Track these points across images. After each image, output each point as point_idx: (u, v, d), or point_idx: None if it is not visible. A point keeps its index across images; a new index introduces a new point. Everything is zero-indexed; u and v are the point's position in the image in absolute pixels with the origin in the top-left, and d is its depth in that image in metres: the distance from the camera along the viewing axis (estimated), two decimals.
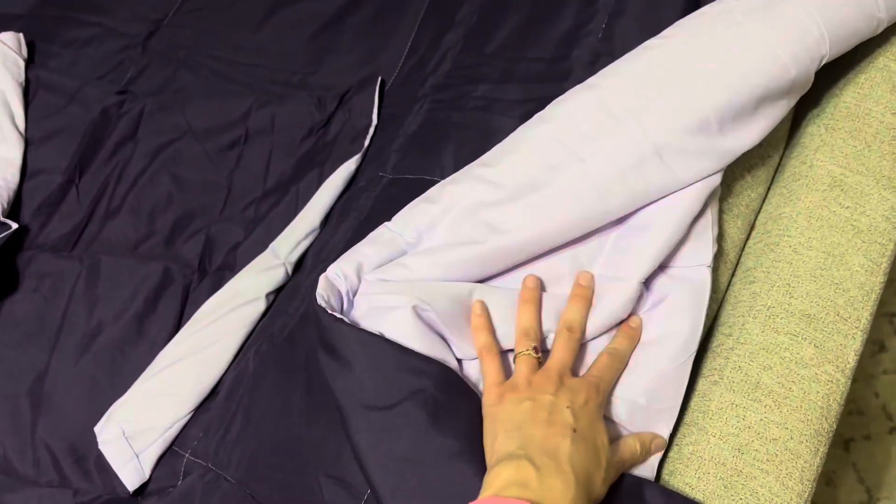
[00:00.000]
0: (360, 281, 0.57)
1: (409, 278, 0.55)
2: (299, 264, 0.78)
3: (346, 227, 0.72)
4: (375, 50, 0.89)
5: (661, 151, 0.53)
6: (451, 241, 0.56)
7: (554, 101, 0.59)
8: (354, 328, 0.53)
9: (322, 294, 0.54)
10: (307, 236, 0.77)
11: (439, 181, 0.68)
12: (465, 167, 0.61)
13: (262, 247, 0.79)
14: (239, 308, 0.74)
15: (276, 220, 0.81)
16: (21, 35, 0.92)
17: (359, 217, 0.72)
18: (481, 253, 0.55)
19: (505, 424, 0.48)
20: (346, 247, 0.69)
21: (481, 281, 0.58)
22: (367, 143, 0.81)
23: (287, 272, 0.76)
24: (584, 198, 0.54)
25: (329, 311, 0.53)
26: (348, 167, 0.80)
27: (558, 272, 0.58)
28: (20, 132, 0.87)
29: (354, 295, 0.57)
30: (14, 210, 0.84)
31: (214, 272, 0.80)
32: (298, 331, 0.65)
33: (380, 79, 0.85)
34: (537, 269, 0.58)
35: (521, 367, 0.52)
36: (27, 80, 0.90)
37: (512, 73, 0.70)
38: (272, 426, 0.63)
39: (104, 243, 0.81)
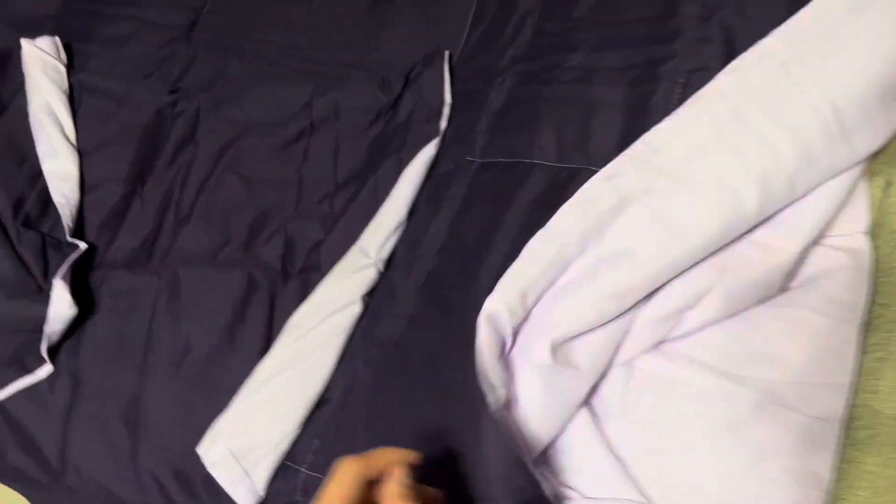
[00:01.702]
0: (525, 313, 0.53)
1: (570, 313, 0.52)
2: (389, 260, 0.74)
3: (442, 219, 0.67)
4: (435, 21, 0.83)
5: (847, 130, 0.48)
6: (626, 244, 0.52)
7: (723, 71, 0.54)
8: (493, 420, 0.49)
9: (483, 343, 0.50)
10: (395, 230, 0.73)
11: (541, 164, 0.63)
12: (623, 155, 0.56)
13: (345, 244, 0.75)
14: (334, 314, 0.70)
15: (357, 214, 0.77)
16: (57, 38, 0.86)
17: (453, 207, 0.67)
18: (664, 254, 0.51)
19: None
20: (448, 241, 0.66)
21: None
22: (443, 124, 0.76)
23: (379, 270, 0.72)
24: (774, 188, 0.49)
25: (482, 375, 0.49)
26: (428, 152, 0.75)
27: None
28: (71, 143, 0.82)
29: (519, 328, 0.53)
30: (77, 227, 0.79)
31: (298, 274, 0.76)
32: (410, 336, 0.62)
33: (447, 53, 0.80)
34: None
35: None
36: (70, 86, 0.85)
37: (609, 38, 0.65)
38: (400, 435, 0.60)
39: (179, 255, 0.77)
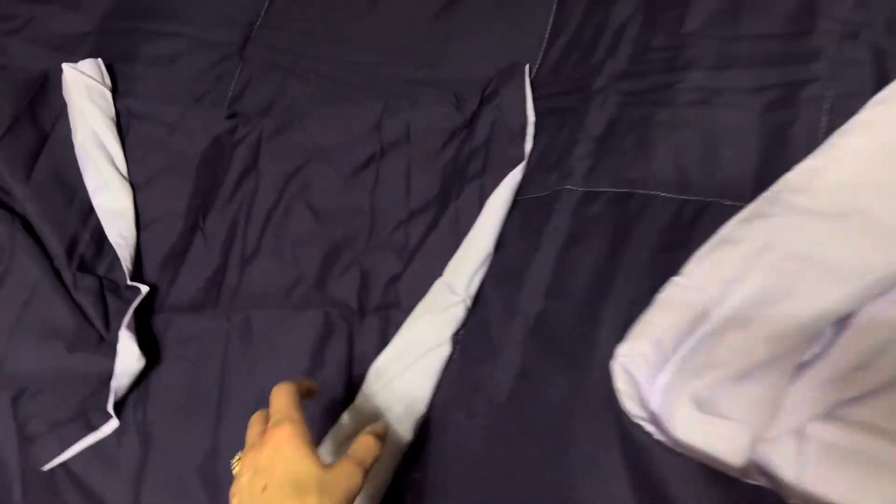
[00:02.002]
0: (663, 362, 0.48)
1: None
2: (475, 296, 0.68)
3: (544, 255, 0.62)
4: (509, 30, 0.78)
5: None
6: (778, 287, 0.47)
7: (873, 101, 0.49)
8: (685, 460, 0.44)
9: (624, 394, 0.45)
10: (482, 264, 0.68)
11: (660, 195, 0.58)
12: (762, 198, 0.51)
13: (426, 278, 0.70)
14: (423, 357, 0.65)
15: (437, 246, 0.71)
16: (100, 61, 0.80)
17: (556, 241, 0.62)
18: (822, 297, 0.46)
19: None
20: (556, 281, 0.60)
21: None
22: (528, 146, 0.71)
23: (467, 307, 0.67)
24: None
25: (641, 424, 0.44)
26: (514, 178, 0.69)
27: None
28: (123, 175, 0.76)
29: (657, 379, 0.48)
30: (136, 267, 0.73)
31: (376, 311, 0.70)
32: (524, 393, 0.57)
33: (527, 66, 0.74)
34: None
35: None
36: (116, 112, 0.79)
37: (733, 56, 0.59)
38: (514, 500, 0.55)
39: (249, 294, 0.71)
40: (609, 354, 0.54)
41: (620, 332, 0.54)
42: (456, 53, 0.78)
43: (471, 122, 0.75)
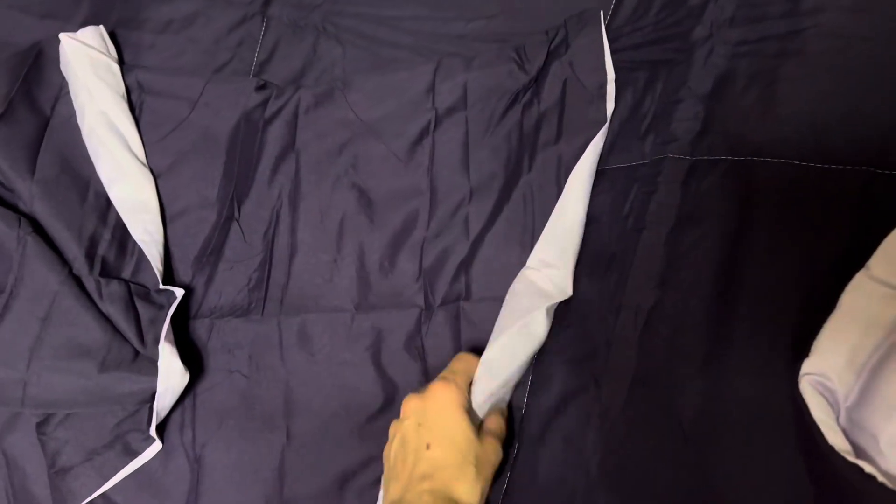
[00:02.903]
0: (858, 382, 0.40)
1: None
2: None
3: (651, 238, 0.53)
4: None
5: None
6: None
7: None
8: None
9: (823, 424, 0.37)
10: (573, 245, 0.59)
11: (797, 163, 0.50)
12: None
13: (499, 265, 0.62)
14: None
15: (509, 227, 0.63)
16: (102, 29, 0.68)
17: (664, 221, 0.53)
18: None
19: None
20: (669, 268, 0.52)
21: None
22: (610, 106, 0.62)
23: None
24: None
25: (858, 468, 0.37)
26: (597, 145, 0.60)
27: None
28: (142, 161, 0.66)
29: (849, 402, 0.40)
30: (165, 268, 0.64)
31: (443, 305, 0.62)
32: (643, 400, 0.49)
33: (601, 13, 0.64)
34: None
35: None
36: (126, 88, 0.68)
37: None
38: None
39: (300, 294, 0.63)
40: (752, 361, 0.46)
41: (765, 334, 0.46)
42: (514, 0, 0.68)
43: (537, 82, 0.65)
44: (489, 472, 0.51)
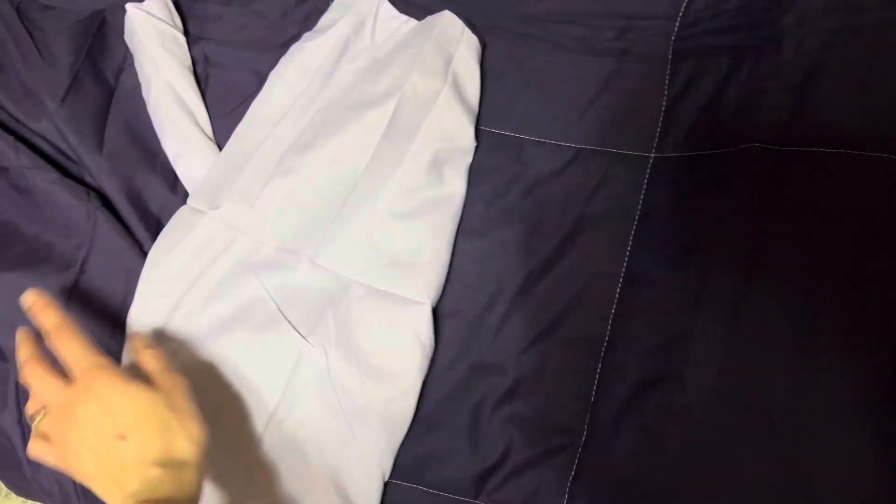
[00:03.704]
0: None
1: None
2: None
3: (736, 228, 0.53)
4: None
5: None
6: None
7: None
8: None
9: None
10: None
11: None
12: None
13: None
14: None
15: None
16: None
17: (749, 211, 0.53)
18: None
19: None
20: (756, 259, 0.52)
21: None
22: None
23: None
24: None
25: None
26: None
27: None
28: (209, 137, 0.65)
29: None
30: None
31: None
32: (732, 393, 0.49)
33: None
34: None
35: None
36: (192, 61, 0.67)
37: None
38: None
39: None
40: (843, 354, 0.46)
41: (856, 327, 0.46)
42: None
43: None
44: (185, 404, 0.48)
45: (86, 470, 0.46)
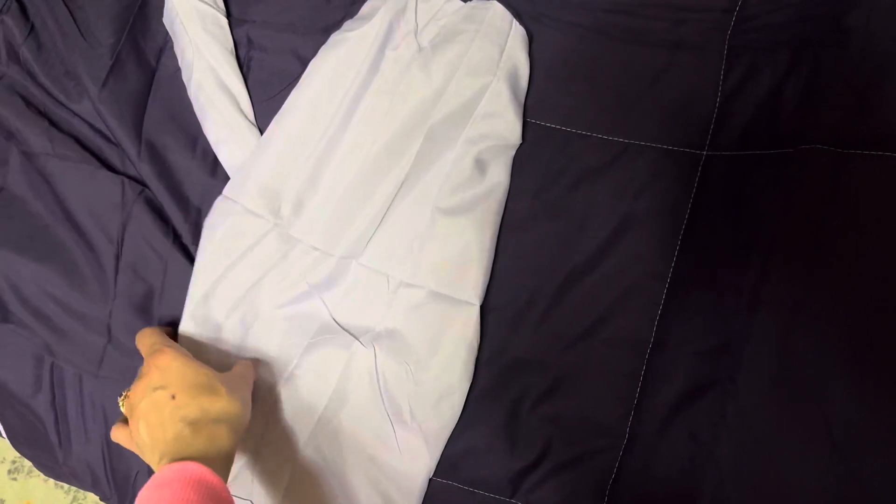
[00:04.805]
0: None
1: None
2: None
3: (794, 234, 0.51)
4: None
5: None
6: None
7: None
8: None
9: None
10: None
11: None
12: None
13: None
14: None
15: None
16: None
17: (811, 216, 0.51)
18: None
19: None
20: (813, 266, 0.50)
21: None
22: None
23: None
24: None
25: None
26: None
27: None
28: (251, 122, 0.64)
29: None
30: None
31: None
32: (785, 398, 0.48)
33: None
34: None
35: None
36: (234, 44, 0.65)
37: None
38: None
39: None
40: None
41: None
42: None
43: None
44: (244, 386, 0.54)
45: (141, 437, 0.50)
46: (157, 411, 0.50)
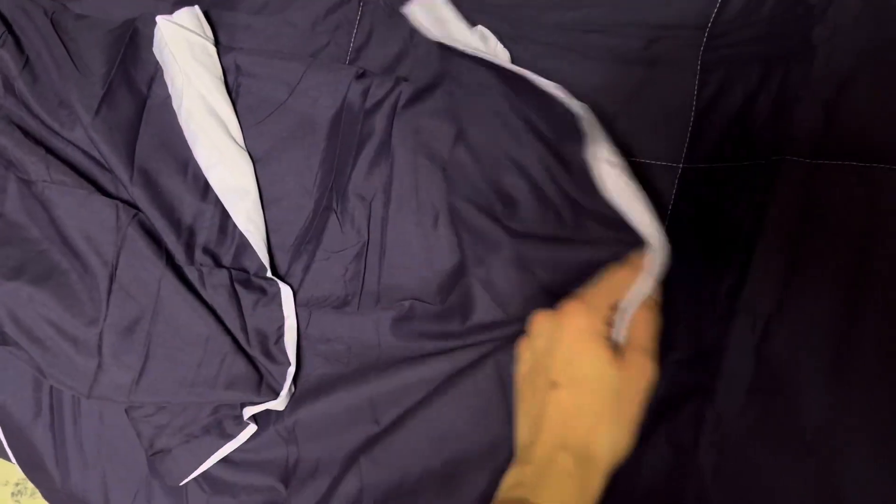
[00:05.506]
0: None
1: None
2: None
3: (770, 242, 0.53)
4: None
5: None
6: None
7: None
8: None
9: None
10: None
11: None
12: None
13: None
14: None
15: None
16: (197, 9, 0.67)
17: (784, 226, 0.53)
18: None
19: None
20: (793, 271, 0.51)
21: None
22: None
23: None
24: None
25: None
26: None
27: None
28: (241, 146, 0.65)
29: None
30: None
31: None
32: (763, 406, 0.49)
33: None
34: None
35: None
36: (222, 71, 0.67)
37: None
38: None
39: (398, 292, 0.62)
40: (881, 371, 0.46)
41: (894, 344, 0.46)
42: None
43: None
44: (633, 408, 0.44)
45: (517, 375, 0.47)
46: (531, 386, 0.44)
